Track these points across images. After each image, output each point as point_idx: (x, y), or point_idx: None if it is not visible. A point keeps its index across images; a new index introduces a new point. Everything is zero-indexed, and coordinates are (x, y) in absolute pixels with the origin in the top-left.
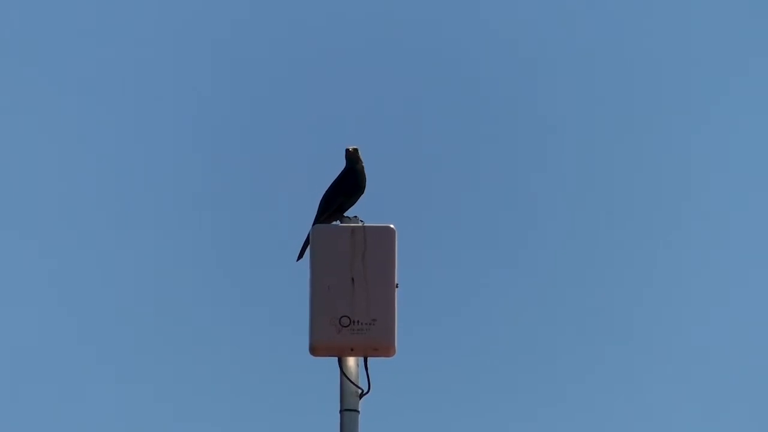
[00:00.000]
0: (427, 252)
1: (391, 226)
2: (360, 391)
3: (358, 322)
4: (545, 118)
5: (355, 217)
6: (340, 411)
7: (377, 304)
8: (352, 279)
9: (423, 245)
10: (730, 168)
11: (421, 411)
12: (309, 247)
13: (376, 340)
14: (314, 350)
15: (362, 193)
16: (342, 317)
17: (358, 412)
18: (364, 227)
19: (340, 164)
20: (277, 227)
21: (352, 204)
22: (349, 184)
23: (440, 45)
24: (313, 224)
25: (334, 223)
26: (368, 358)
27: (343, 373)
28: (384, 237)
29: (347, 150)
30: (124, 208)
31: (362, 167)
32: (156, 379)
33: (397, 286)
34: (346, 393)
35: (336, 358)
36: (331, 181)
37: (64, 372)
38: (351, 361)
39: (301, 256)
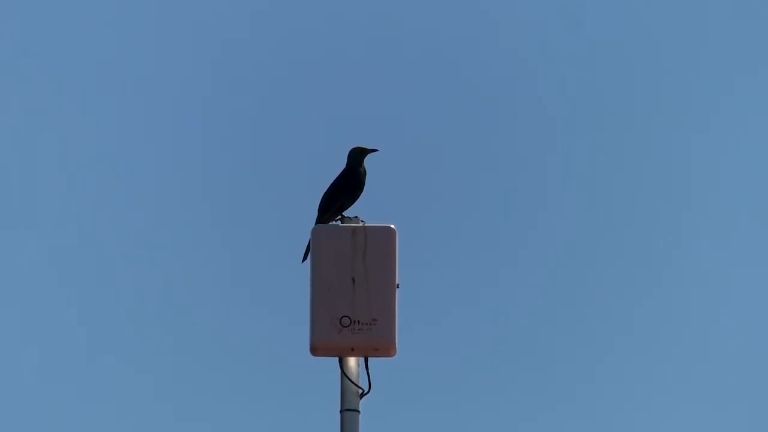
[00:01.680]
0: (428, 252)
1: (392, 226)
2: (360, 391)
3: (358, 322)
4: (547, 118)
5: (356, 217)
6: (341, 411)
7: (378, 304)
8: (353, 279)
9: (424, 245)
10: (733, 169)
11: (421, 411)
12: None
13: (376, 340)
14: (315, 350)
15: (362, 192)
16: (343, 317)
17: (359, 412)
18: (364, 227)
19: (341, 164)
20: (277, 227)
21: (352, 203)
22: (350, 185)
23: (442, 44)
24: (315, 224)
25: (335, 222)
26: (369, 358)
27: (344, 373)
28: (385, 237)
29: (352, 150)
30: (127, 209)
31: (363, 167)
32: (156, 379)
33: (398, 286)
34: (346, 393)
35: (336, 358)
36: (331, 181)
37: (65, 371)
38: (351, 361)
39: (305, 257)
